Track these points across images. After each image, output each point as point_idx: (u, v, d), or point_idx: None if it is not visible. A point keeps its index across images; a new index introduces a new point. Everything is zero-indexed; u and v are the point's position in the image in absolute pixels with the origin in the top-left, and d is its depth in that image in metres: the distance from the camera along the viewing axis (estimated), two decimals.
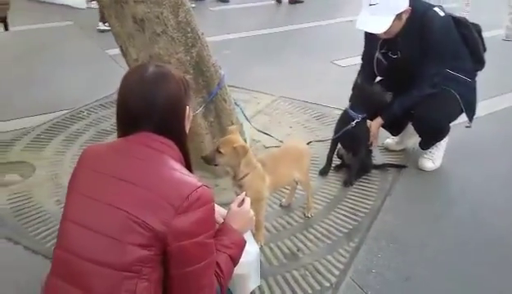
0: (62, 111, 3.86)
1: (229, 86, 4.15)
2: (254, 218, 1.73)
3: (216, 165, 2.16)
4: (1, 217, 2.63)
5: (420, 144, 3.24)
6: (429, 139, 3.17)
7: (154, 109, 1.40)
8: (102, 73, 4.57)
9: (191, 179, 1.37)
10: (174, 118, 1.47)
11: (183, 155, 1.48)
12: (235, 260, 1.55)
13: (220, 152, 2.10)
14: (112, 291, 1.26)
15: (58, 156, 3.25)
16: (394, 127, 3.29)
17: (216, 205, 1.80)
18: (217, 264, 1.46)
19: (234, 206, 1.69)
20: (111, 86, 3.97)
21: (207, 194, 1.36)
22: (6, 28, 3.51)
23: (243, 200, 1.71)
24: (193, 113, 2.79)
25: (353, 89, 3.04)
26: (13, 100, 3.32)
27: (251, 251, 1.76)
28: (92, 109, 3.89)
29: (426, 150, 3.21)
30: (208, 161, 2.14)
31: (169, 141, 1.43)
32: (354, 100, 2.97)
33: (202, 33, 2.78)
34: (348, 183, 2.98)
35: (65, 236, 1.37)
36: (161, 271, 1.32)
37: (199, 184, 1.35)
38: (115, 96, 1.47)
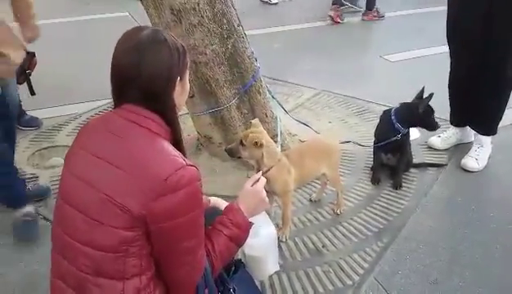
0: (108, 99, 3.99)
1: (272, 79, 4.16)
2: (267, 200, 1.62)
3: (239, 157, 2.14)
4: (43, 198, 2.77)
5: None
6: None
7: (139, 73, 1.29)
8: None
9: (174, 158, 1.27)
10: (160, 88, 1.33)
11: (172, 132, 1.38)
12: (236, 241, 1.48)
13: (243, 144, 2.10)
14: (99, 270, 1.26)
15: None
16: (461, 113, 3.15)
17: (218, 198, 1.74)
18: (211, 241, 1.41)
19: (247, 185, 1.60)
20: None
21: (189, 175, 1.27)
22: (32, 93, 2.83)
23: (258, 180, 1.62)
24: (228, 104, 2.83)
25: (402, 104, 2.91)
26: (64, 87, 3.48)
27: (266, 233, 1.71)
28: None
29: (471, 149, 3.07)
30: (232, 153, 2.14)
31: (155, 116, 1.32)
32: (401, 114, 2.81)
33: (238, 25, 2.77)
34: (397, 186, 2.87)
35: (56, 213, 1.38)
36: (150, 246, 1.29)
37: (180, 165, 1.26)
38: None
